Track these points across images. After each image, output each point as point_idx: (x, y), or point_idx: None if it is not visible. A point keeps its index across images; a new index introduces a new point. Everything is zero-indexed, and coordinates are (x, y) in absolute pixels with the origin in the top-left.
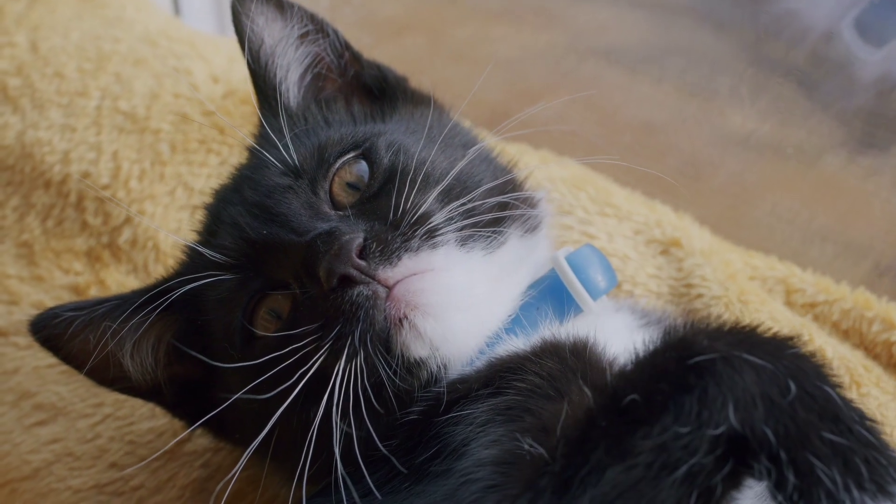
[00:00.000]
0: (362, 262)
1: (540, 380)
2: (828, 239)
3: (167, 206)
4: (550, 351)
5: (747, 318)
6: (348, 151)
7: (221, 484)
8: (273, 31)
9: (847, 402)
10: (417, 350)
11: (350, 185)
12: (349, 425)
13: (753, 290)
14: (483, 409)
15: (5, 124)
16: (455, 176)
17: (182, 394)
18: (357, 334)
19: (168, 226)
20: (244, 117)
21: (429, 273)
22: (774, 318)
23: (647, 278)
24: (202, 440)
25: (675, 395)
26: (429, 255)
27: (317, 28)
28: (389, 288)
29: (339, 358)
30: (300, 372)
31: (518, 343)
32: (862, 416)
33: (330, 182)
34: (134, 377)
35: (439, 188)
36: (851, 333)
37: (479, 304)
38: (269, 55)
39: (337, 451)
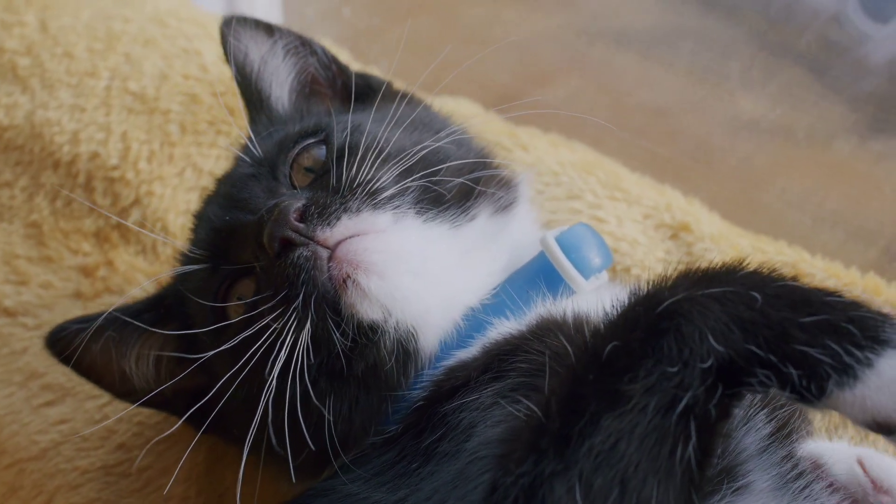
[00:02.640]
0: (300, 224)
1: (544, 358)
2: (838, 224)
3: (176, 188)
4: (550, 328)
5: None
6: (308, 137)
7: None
8: (261, 51)
9: (810, 287)
10: (366, 311)
11: (308, 169)
12: (326, 407)
13: None
14: (488, 393)
15: (14, 104)
16: (415, 153)
17: (192, 404)
18: (301, 297)
19: (177, 207)
20: None
21: (373, 234)
22: None
23: (657, 262)
24: None
25: (651, 340)
26: (371, 216)
27: (304, 46)
28: (332, 249)
29: (287, 324)
30: (264, 348)
31: (511, 325)
32: (827, 291)
33: (290, 167)
34: (138, 386)
35: (394, 161)
36: None
37: (441, 273)
38: (257, 73)
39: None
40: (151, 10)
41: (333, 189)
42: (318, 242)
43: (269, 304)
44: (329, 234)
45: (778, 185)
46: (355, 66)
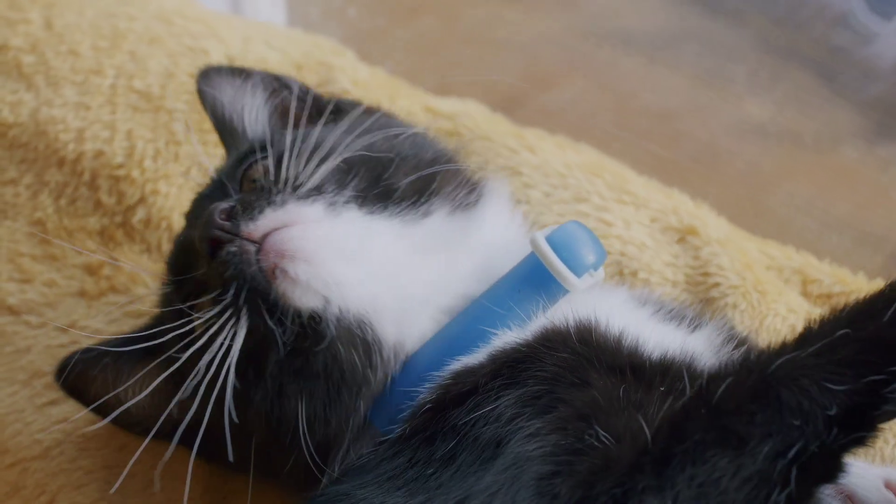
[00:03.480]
0: (226, 223)
1: (559, 369)
2: (845, 229)
3: (181, 187)
4: (556, 339)
5: (763, 309)
6: (256, 153)
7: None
8: (233, 90)
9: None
10: (300, 299)
11: (255, 181)
12: (300, 409)
13: (770, 280)
14: (506, 402)
15: (19, 101)
16: (356, 150)
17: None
18: (233, 292)
19: (183, 206)
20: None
21: (301, 224)
22: (791, 308)
23: (664, 266)
24: None
25: (768, 389)
26: (297, 207)
27: (276, 82)
28: (259, 242)
29: (223, 321)
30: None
31: (514, 335)
32: None
33: (239, 182)
34: (136, 417)
35: (331, 159)
36: None
37: (389, 264)
38: (230, 110)
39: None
40: (156, 9)
41: (265, 189)
42: (243, 237)
43: (210, 308)
44: (253, 228)
45: (785, 189)
46: (360, 66)
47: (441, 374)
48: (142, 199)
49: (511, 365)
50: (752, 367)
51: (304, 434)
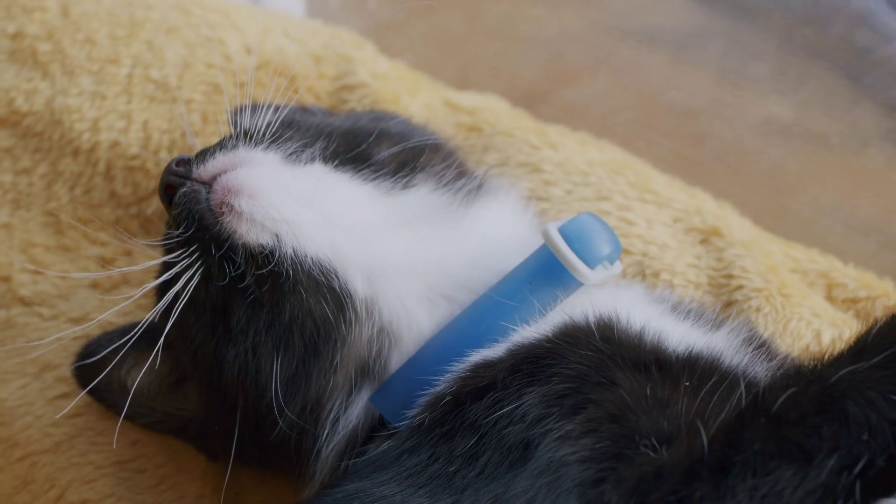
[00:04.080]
0: (180, 169)
1: (583, 367)
2: (870, 232)
3: None
4: (578, 336)
5: (788, 313)
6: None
7: None
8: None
9: None
10: (248, 232)
11: None
12: (274, 370)
13: (795, 283)
14: (530, 401)
15: (34, 90)
16: (336, 123)
17: (201, 433)
18: (184, 231)
19: None
20: (278, 90)
21: (250, 166)
22: (815, 313)
23: (686, 268)
24: None
25: (832, 404)
26: (248, 151)
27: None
28: (209, 183)
29: (179, 262)
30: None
31: (533, 330)
32: None
33: None
34: (144, 407)
35: (305, 125)
36: None
37: (357, 222)
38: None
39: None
40: None
41: (222, 140)
42: (194, 179)
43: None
44: (203, 171)
45: (810, 191)
46: (380, 59)
47: (459, 365)
48: (156, 191)
49: (531, 361)
50: (811, 377)
51: (276, 391)
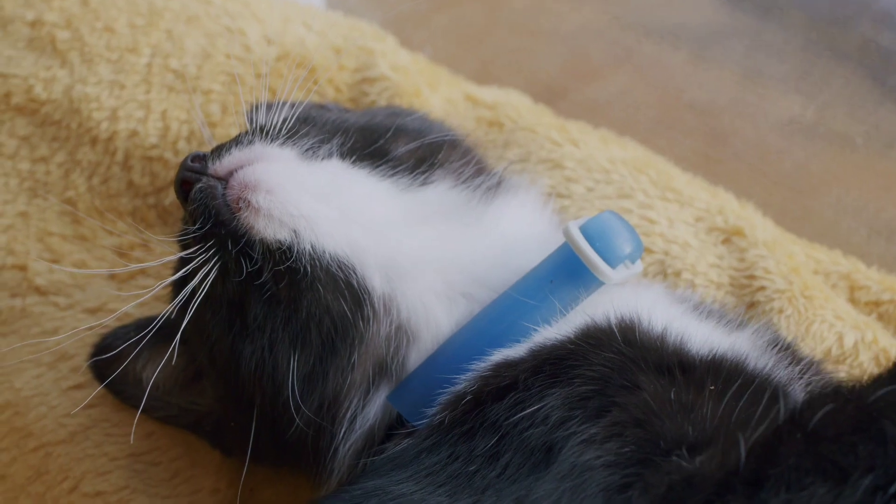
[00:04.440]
0: (195, 164)
1: (606, 369)
2: (894, 235)
3: None
4: (600, 337)
5: (810, 315)
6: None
7: None
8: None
9: None
10: (266, 228)
11: None
12: (291, 367)
13: (818, 285)
14: (552, 403)
15: (53, 78)
16: (352, 119)
17: (216, 428)
18: (200, 226)
19: None
20: (298, 82)
21: (267, 161)
22: (838, 315)
23: (708, 267)
24: None
25: (870, 423)
26: (263, 147)
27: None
28: (226, 179)
29: (196, 258)
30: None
31: (555, 331)
32: None
33: None
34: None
35: (321, 121)
36: None
37: (372, 215)
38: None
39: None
40: None
41: (238, 136)
42: (210, 175)
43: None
44: (219, 166)
45: (833, 192)
46: (401, 52)
47: (480, 364)
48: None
49: (553, 362)
50: (850, 396)
51: (293, 388)
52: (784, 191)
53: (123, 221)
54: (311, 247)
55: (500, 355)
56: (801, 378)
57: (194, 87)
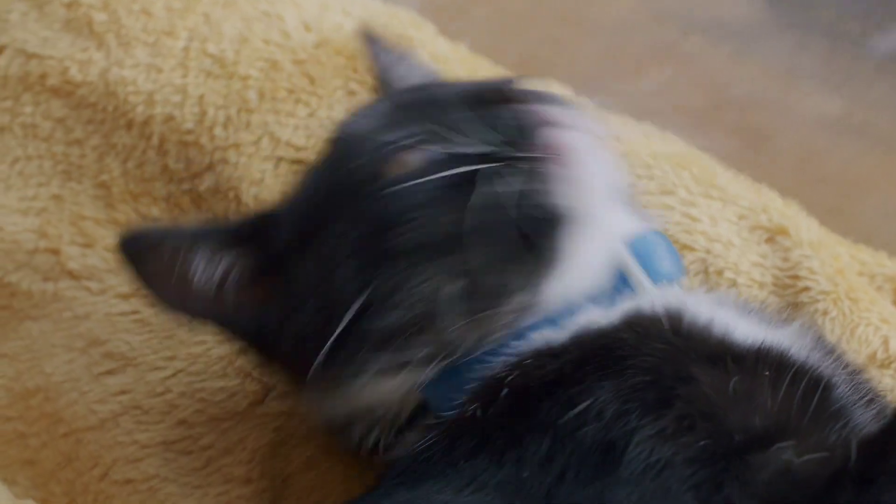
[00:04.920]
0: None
1: (657, 360)
2: None
3: (251, 156)
4: (648, 326)
5: (855, 318)
6: None
7: None
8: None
9: None
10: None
11: None
12: None
13: (863, 287)
14: (604, 397)
15: (89, 60)
16: None
17: (255, 329)
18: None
19: (252, 176)
20: (336, 69)
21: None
22: (884, 318)
23: (751, 266)
24: (275, 403)
25: None
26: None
27: None
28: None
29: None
30: None
31: (599, 313)
32: None
33: None
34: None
35: None
36: None
37: None
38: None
39: None
40: None
41: None
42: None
43: None
44: (546, 112)
45: (878, 194)
46: (440, 41)
47: (519, 346)
48: (210, 167)
49: (600, 351)
50: None
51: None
52: (827, 191)
53: (157, 207)
54: None
55: (540, 338)
56: (850, 379)
57: (231, 72)
